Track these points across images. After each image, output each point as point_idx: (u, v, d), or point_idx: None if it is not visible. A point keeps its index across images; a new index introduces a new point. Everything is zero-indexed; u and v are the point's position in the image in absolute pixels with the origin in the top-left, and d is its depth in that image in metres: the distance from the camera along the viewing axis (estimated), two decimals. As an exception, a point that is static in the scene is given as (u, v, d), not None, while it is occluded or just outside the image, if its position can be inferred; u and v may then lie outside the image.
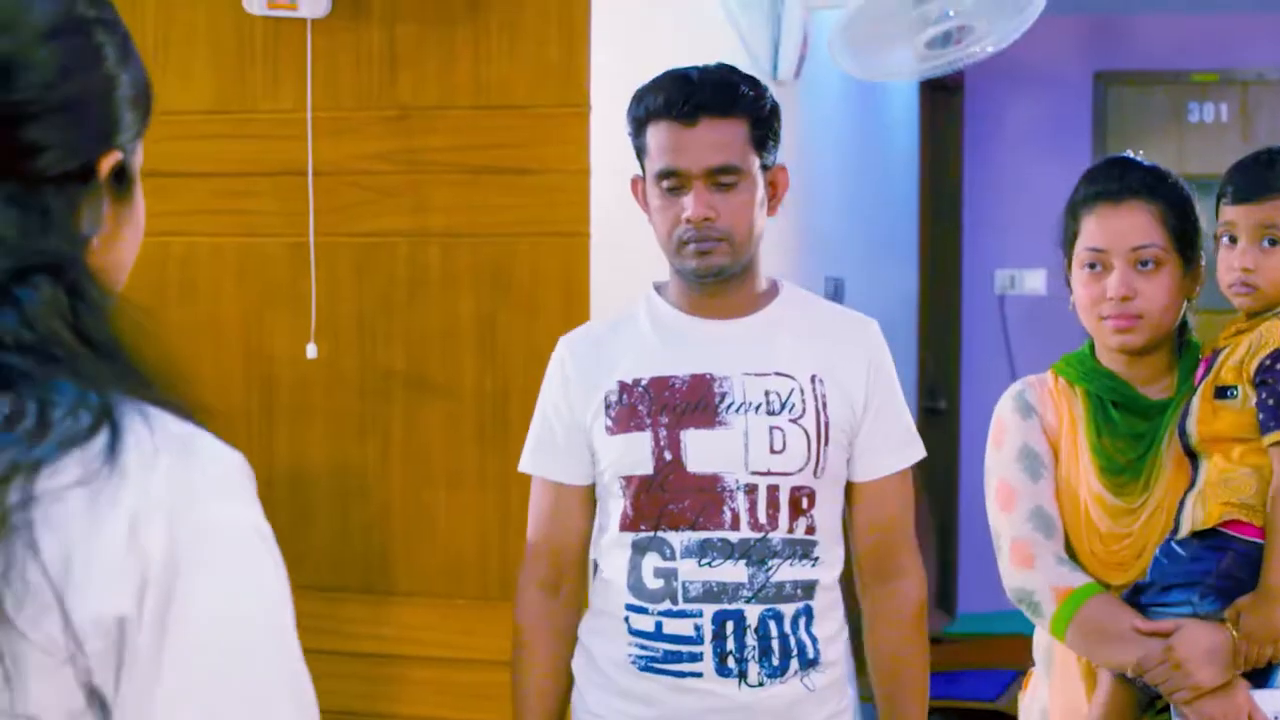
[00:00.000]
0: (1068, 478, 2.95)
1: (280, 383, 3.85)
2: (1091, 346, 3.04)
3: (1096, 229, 2.92)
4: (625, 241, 3.75)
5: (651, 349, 2.95)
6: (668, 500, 2.87)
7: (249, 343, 3.87)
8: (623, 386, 2.93)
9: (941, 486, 7.75)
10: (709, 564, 2.85)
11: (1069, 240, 3.00)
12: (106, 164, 1.40)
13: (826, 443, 2.89)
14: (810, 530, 2.89)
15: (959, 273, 7.91)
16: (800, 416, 2.89)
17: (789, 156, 3.17)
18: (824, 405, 2.90)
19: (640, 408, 2.90)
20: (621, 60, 3.76)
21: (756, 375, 2.90)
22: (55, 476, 1.25)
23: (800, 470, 2.88)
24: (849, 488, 2.99)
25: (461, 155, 3.72)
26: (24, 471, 1.23)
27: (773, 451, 2.86)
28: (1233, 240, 2.87)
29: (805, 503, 2.89)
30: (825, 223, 5.90)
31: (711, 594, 2.85)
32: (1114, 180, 2.94)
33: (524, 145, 3.68)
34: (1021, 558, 2.91)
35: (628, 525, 2.92)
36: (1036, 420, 2.99)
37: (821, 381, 2.91)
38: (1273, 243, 2.83)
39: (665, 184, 2.87)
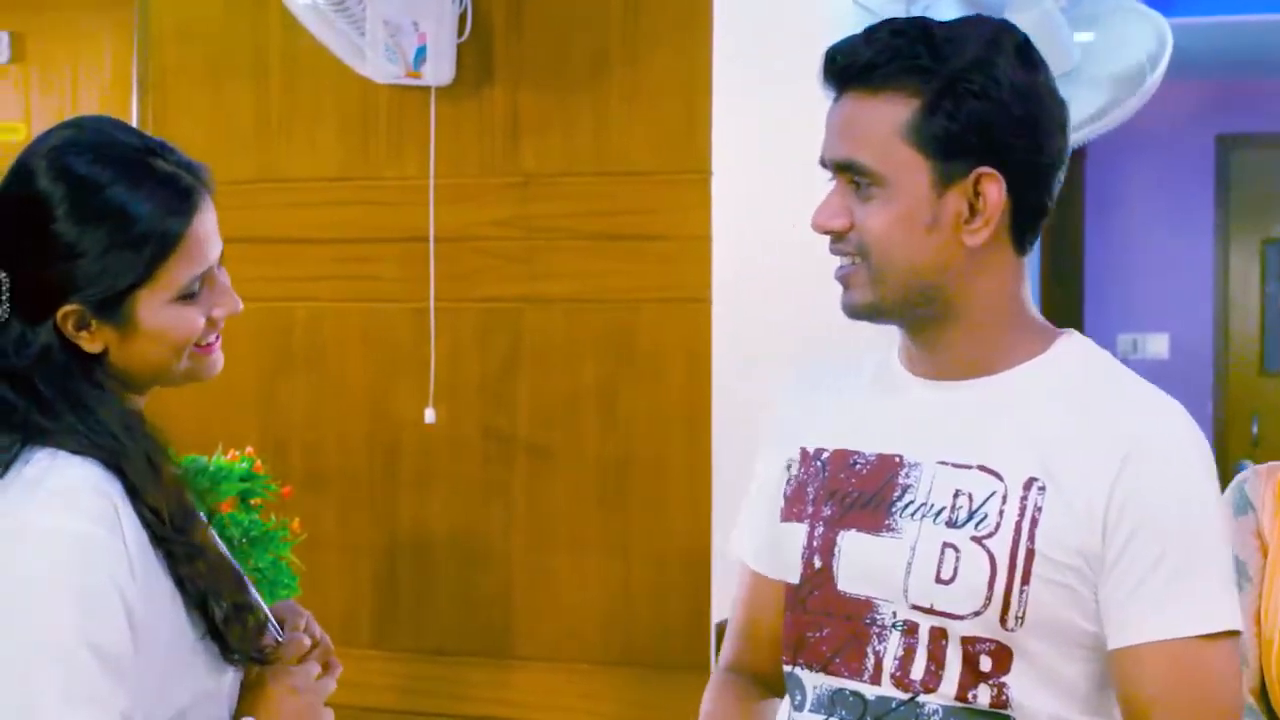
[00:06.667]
0: (1269, 595, 2.23)
1: (403, 447, 3.87)
2: None
3: None
4: (747, 306, 3.74)
5: (850, 408, 2.11)
6: (807, 625, 2.04)
7: (373, 407, 3.90)
8: (803, 456, 2.11)
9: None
10: None
11: None
12: (64, 311, 1.92)
13: (1026, 580, 1.91)
14: (1000, 704, 1.93)
15: (1080, 337, 7.85)
16: (989, 535, 1.93)
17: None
18: (1034, 524, 1.91)
19: (810, 489, 2.07)
20: (743, 126, 3.76)
21: (953, 466, 1.98)
22: None
23: (976, 614, 1.93)
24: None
25: (583, 221, 3.74)
26: None
27: (939, 580, 1.94)
28: None
29: (987, 663, 1.94)
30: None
31: None
32: None
33: (646, 211, 3.68)
34: None
35: (784, 651, 2.10)
36: (1251, 518, 2.27)
37: (1041, 489, 1.93)
38: None
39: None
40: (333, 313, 3.94)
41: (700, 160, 3.65)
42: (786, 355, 3.98)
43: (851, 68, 1.96)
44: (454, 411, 3.80)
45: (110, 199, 1.91)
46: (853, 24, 4.14)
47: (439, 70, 3.71)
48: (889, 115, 1.95)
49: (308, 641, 2.08)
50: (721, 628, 3.64)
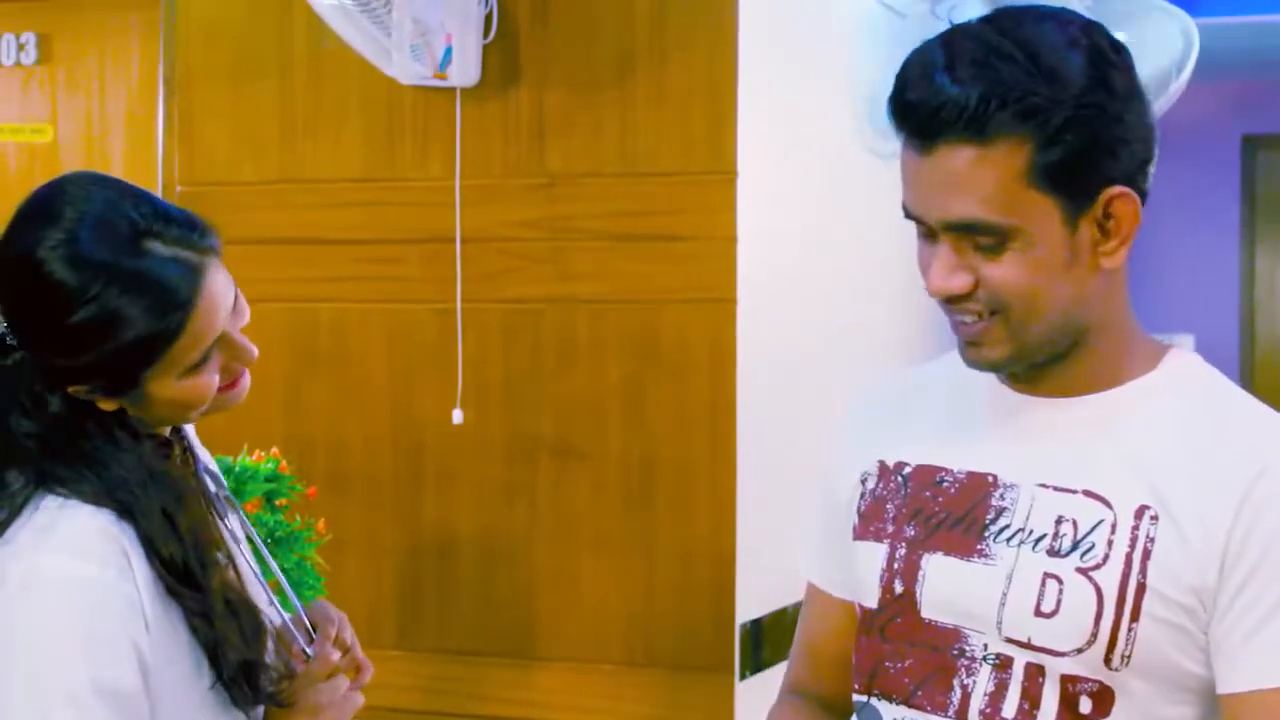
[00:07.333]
0: None
1: (427, 448, 3.87)
2: None
3: None
4: (773, 307, 3.74)
5: (934, 422, 1.99)
6: (885, 654, 1.92)
7: (398, 408, 3.90)
8: (882, 470, 1.99)
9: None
10: None
11: None
12: (74, 390, 1.96)
13: (1136, 616, 1.77)
14: None
15: (1105, 338, 7.84)
16: (1098, 566, 1.79)
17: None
18: (1146, 556, 1.77)
19: (889, 507, 1.95)
20: (769, 126, 3.76)
21: (1055, 490, 1.84)
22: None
23: (1078, 651, 1.79)
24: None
25: (609, 222, 3.73)
26: None
27: (1039, 613, 1.81)
28: None
29: (1088, 704, 1.79)
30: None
31: None
32: None
33: (671, 212, 3.68)
34: None
35: (855, 679, 2.00)
36: None
37: (1154, 518, 1.78)
38: None
39: (917, 227, 1.86)
40: (357, 313, 3.94)
41: (725, 161, 3.64)
42: (812, 355, 3.99)
43: (953, 119, 1.75)
44: (478, 412, 3.80)
45: (116, 299, 1.90)
46: (878, 24, 4.14)
47: (464, 71, 3.71)
48: (1008, 163, 1.75)
49: (336, 656, 2.09)
50: (746, 629, 3.66)
